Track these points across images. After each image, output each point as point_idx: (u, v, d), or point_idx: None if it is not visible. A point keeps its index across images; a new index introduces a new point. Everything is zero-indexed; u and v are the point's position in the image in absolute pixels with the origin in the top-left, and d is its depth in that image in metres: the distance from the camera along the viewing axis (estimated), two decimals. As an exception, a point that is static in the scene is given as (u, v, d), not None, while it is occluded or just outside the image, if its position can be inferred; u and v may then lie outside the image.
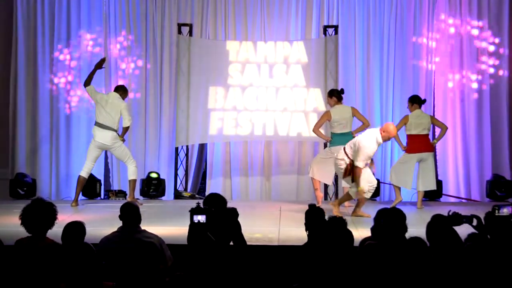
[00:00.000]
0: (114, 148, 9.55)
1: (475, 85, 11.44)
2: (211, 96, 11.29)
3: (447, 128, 9.79)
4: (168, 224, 7.77)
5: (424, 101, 9.70)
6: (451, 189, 11.35)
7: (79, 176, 9.59)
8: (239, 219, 5.62)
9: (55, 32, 11.54)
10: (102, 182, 11.24)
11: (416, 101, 9.58)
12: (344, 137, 9.41)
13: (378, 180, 10.27)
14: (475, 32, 11.44)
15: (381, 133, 8.35)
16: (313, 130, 9.69)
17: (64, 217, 6.55)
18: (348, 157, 8.47)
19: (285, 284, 5.16)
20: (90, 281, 4.31)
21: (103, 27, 11.58)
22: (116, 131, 9.52)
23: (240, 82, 11.32)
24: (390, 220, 4.86)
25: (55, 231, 4.91)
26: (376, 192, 10.70)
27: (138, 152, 11.43)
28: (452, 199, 11.14)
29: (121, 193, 10.90)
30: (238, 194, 11.58)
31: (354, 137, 9.51)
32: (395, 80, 11.53)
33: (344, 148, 8.57)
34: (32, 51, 11.54)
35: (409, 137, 9.55)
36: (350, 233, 4.71)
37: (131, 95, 11.30)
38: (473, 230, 4.83)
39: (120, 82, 10.84)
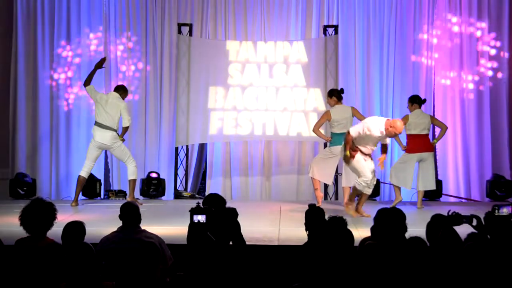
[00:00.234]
0: (114, 148, 9.55)
1: (475, 85, 11.44)
2: (211, 96, 11.29)
3: (447, 128, 9.79)
4: (168, 224, 7.77)
5: (424, 101, 9.70)
6: (451, 189, 11.36)
7: (79, 176, 9.59)
8: (239, 219, 5.62)
9: (55, 29, 11.55)
10: (102, 182, 11.25)
11: (416, 101, 9.58)
12: (344, 137, 9.41)
13: (378, 180, 10.28)
14: (475, 31, 11.44)
15: (387, 127, 8.20)
16: (313, 130, 9.69)
17: (64, 217, 6.56)
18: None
19: (285, 284, 5.16)
20: (90, 281, 4.31)
21: (103, 26, 11.58)
22: (116, 131, 9.52)
23: (240, 82, 11.32)
24: (390, 220, 4.86)
25: (55, 231, 4.91)
26: (376, 192, 10.71)
27: (138, 152, 11.43)
28: (452, 199, 11.14)
29: (121, 193, 10.91)
30: (238, 194, 11.59)
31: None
32: (395, 80, 11.54)
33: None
34: (32, 48, 11.54)
35: (409, 137, 9.55)
36: (350, 233, 4.71)
37: (131, 96, 11.32)
38: (473, 230, 4.83)
39: (120, 83, 10.85)
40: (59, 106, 11.57)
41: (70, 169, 11.50)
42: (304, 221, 5.42)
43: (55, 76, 11.57)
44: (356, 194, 8.63)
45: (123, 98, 9.65)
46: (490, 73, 11.42)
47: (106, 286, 4.41)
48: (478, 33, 11.46)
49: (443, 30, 11.52)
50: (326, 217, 5.13)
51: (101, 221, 7.82)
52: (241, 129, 11.29)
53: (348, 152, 8.31)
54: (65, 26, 11.59)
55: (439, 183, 10.53)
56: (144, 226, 5.44)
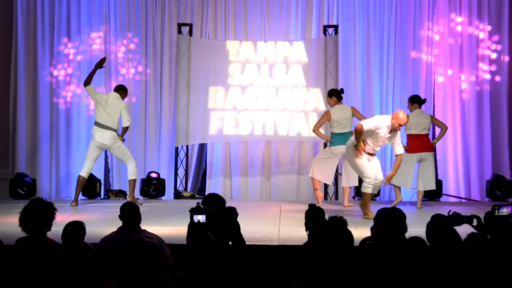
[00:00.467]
0: (114, 148, 9.55)
1: (475, 85, 11.44)
2: (211, 96, 11.29)
3: (447, 128, 9.79)
4: (168, 224, 7.77)
5: (424, 101, 9.71)
6: (451, 189, 11.36)
7: (79, 176, 9.59)
8: (239, 219, 5.61)
9: (55, 29, 11.56)
10: (102, 182, 11.25)
11: (416, 101, 9.58)
12: (344, 137, 9.41)
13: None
14: (475, 32, 11.45)
15: (391, 119, 8.18)
16: (313, 130, 9.69)
17: (64, 217, 6.56)
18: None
19: (285, 284, 5.15)
20: (90, 281, 4.31)
21: (103, 26, 11.58)
22: (116, 131, 9.52)
23: (240, 82, 11.32)
24: (390, 220, 4.86)
25: (55, 231, 4.91)
26: (376, 192, 10.70)
27: (138, 152, 11.44)
28: (452, 199, 11.15)
29: (121, 193, 10.91)
30: (238, 194, 11.59)
31: (354, 137, 9.54)
32: (395, 80, 11.54)
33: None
34: (32, 47, 11.54)
35: (409, 136, 9.55)
36: (350, 233, 4.71)
37: (131, 96, 11.32)
38: (473, 230, 4.82)
39: (120, 83, 10.84)
40: (59, 104, 11.56)
41: (70, 169, 11.50)
42: (304, 221, 5.43)
43: (55, 72, 11.56)
44: (367, 198, 8.44)
45: (123, 98, 9.65)
46: (490, 73, 11.42)
47: (106, 286, 4.41)
48: (479, 34, 11.46)
49: (443, 31, 11.52)
50: (326, 217, 5.13)
51: (101, 221, 7.82)
52: (241, 129, 11.29)
53: (361, 143, 8.23)
54: (65, 26, 11.60)
55: (439, 183, 10.53)
56: (144, 226, 5.44)
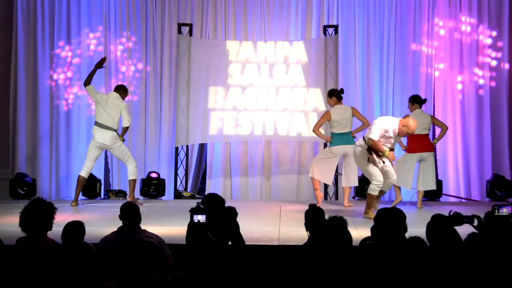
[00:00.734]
0: (114, 148, 9.54)
1: (475, 85, 11.45)
2: (211, 96, 11.29)
3: (447, 128, 9.79)
4: (168, 224, 7.77)
5: (425, 100, 9.70)
6: (451, 188, 11.36)
7: (79, 176, 9.59)
8: (239, 219, 5.61)
9: (55, 29, 11.56)
10: (102, 182, 11.25)
11: (416, 101, 9.58)
12: (344, 137, 9.42)
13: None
14: (475, 32, 11.45)
15: (400, 126, 8.11)
16: (313, 130, 9.69)
17: (64, 217, 6.56)
18: (366, 143, 8.24)
19: (285, 284, 5.15)
20: (90, 281, 4.31)
21: (103, 26, 11.58)
22: (116, 131, 9.52)
23: (240, 82, 11.32)
24: (390, 220, 4.86)
25: (55, 231, 4.91)
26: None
27: (138, 152, 11.43)
28: (452, 199, 11.15)
29: (121, 193, 10.90)
30: (238, 194, 11.59)
31: (354, 137, 9.54)
32: (395, 80, 11.54)
33: (364, 136, 8.38)
34: (32, 48, 11.54)
35: (410, 136, 9.53)
36: (348, 233, 4.70)
37: (131, 96, 11.32)
38: (473, 230, 4.82)
39: (120, 83, 10.84)
40: (59, 106, 11.57)
41: (70, 169, 11.50)
42: (304, 221, 5.42)
43: (55, 76, 11.57)
44: (372, 199, 8.40)
45: (123, 98, 9.64)
46: (490, 74, 11.42)
47: (106, 286, 4.41)
48: (479, 34, 11.45)
49: (443, 31, 11.51)
50: (326, 217, 5.13)
51: (101, 221, 7.82)
52: (241, 129, 11.29)
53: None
54: (65, 26, 11.59)
55: (439, 183, 10.52)
56: (144, 226, 5.44)
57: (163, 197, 11.07)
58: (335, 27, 11.34)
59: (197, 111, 11.29)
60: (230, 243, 5.53)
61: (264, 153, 11.67)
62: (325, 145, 10.20)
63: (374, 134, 8.09)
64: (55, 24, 11.57)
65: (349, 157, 9.51)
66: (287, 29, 11.67)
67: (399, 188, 9.45)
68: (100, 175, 11.27)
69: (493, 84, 11.44)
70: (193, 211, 4.78)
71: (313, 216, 5.38)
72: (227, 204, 5.65)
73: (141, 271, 5.07)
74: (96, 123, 9.51)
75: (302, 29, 11.66)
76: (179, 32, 11.39)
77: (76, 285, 4.29)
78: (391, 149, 8.34)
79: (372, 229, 5.04)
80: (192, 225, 4.78)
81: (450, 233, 4.63)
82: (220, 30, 11.69)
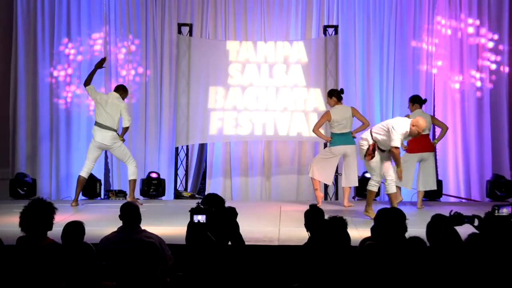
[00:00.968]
0: (114, 148, 9.54)
1: (476, 84, 11.45)
2: (211, 96, 11.29)
3: (447, 128, 9.80)
4: (168, 224, 7.77)
5: (425, 101, 9.70)
6: (451, 189, 11.36)
7: (79, 176, 9.59)
8: (239, 219, 5.62)
9: (55, 29, 11.55)
10: (102, 182, 11.25)
11: (417, 101, 9.58)
12: (344, 137, 9.42)
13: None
14: (475, 32, 11.45)
15: (411, 126, 8.08)
16: (313, 130, 9.69)
17: (64, 217, 6.56)
18: (372, 138, 8.22)
19: (285, 284, 5.15)
20: (90, 281, 4.31)
21: (103, 26, 11.58)
22: (116, 131, 9.52)
23: (240, 82, 11.32)
24: (390, 220, 4.85)
25: (55, 231, 4.91)
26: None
27: (138, 152, 11.43)
28: (452, 199, 11.15)
29: (121, 193, 10.90)
30: (238, 194, 11.59)
31: (354, 137, 9.54)
32: (395, 80, 11.54)
33: (371, 130, 8.33)
34: (32, 48, 11.54)
35: (410, 137, 9.54)
36: (347, 233, 4.70)
37: (131, 96, 11.31)
38: (473, 230, 4.82)
39: (120, 83, 10.83)
40: (59, 104, 11.57)
41: (70, 169, 11.50)
42: (304, 221, 5.42)
43: (55, 73, 11.56)
44: (372, 196, 8.42)
45: (123, 98, 9.64)
46: (491, 69, 11.42)
47: (106, 286, 4.41)
48: (479, 34, 11.46)
49: (443, 30, 11.51)
50: (326, 217, 5.13)
51: (101, 221, 7.82)
52: (241, 129, 11.29)
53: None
54: (65, 26, 11.60)
55: (439, 183, 10.52)
56: (144, 226, 5.44)
57: (163, 197, 11.07)
58: (335, 27, 11.34)
59: (197, 111, 11.29)
60: (230, 243, 5.53)
61: (264, 153, 11.67)
62: (325, 145, 10.20)
63: (398, 141, 8.08)
64: (55, 24, 11.57)
65: (349, 157, 9.52)
66: (287, 29, 11.67)
67: (399, 188, 9.45)
68: (100, 175, 11.27)
69: (493, 84, 11.44)
70: (193, 211, 4.79)
71: (312, 217, 5.38)
72: (227, 204, 5.65)
73: (141, 271, 5.07)
74: (96, 123, 9.51)
75: (302, 29, 11.66)
76: (179, 32, 11.39)
77: (76, 285, 4.29)
78: (383, 150, 8.31)
79: (372, 229, 5.04)
80: (192, 225, 4.78)
81: (450, 233, 4.63)
82: (220, 30, 11.69)
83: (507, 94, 11.44)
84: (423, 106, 9.66)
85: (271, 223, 8.12)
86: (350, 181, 9.65)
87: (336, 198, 11.07)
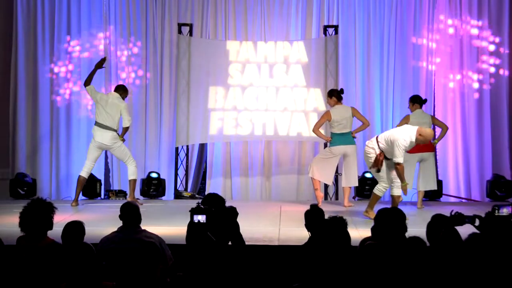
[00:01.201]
0: (114, 148, 9.54)
1: (475, 85, 11.46)
2: (211, 96, 11.29)
3: (447, 128, 9.79)
4: (168, 224, 7.77)
5: (425, 101, 9.70)
6: (451, 189, 11.36)
7: (79, 176, 9.59)
8: (239, 218, 5.61)
9: (55, 29, 11.55)
10: (102, 182, 11.24)
11: (417, 101, 9.58)
12: (344, 137, 9.42)
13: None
14: (475, 32, 11.45)
15: (417, 135, 7.95)
16: (313, 130, 9.69)
17: (64, 217, 6.56)
18: (379, 147, 8.11)
19: (285, 284, 5.15)
20: (90, 281, 4.31)
21: (103, 26, 11.58)
22: (116, 131, 9.52)
23: (240, 82, 11.32)
24: (390, 220, 4.85)
25: (55, 231, 4.90)
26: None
27: (138, 152, 11.44)
28: (452, 199, 11.15)
29: (121, 193, 10.90)
30: (238, 194, 11.59)
31: (354, 137, 9.54)
32: (395, 80, 11.53)
33: (377, 137, 8.22)
34: (32, 48, 11.54)
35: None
36: (347, 233, 4.70)
37: (132, 96, 11.31)
38: (473, 230, 4.82)
39: (121, 83, 10.83)
40: (58, 102, 11.55)
41: (70, 169, 11.50)
42: (304, 221, 5.42)
43: (56, 69, 11.55)
44: (376, 200, 8.36)
45: (123, 98, 9.64)
46: (492, 69, 11.42)
47: (106, 286, 4.40)
48: (479, 34, 11.45)
49: (443, 31, 11.51)
50: (326, 217, 5.13)
51: (101, 221, 7.82)
52: (241, 129, 11.29)
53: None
54: (65, 26, 11.59)
55: (439, 183, 10.51)
56: (144, 226, 5.44)
57: (163, 197, 11.07)
58: (335, 27, 11.34)
59: (197, 111, 11.29)
60: (230, 243, 5.53)
61: (264, 153, 11.67)
62: (325, 145, 10.20)
63: (401, 157, 7.92)
64: (55, 24, 11.56)
65: (349, 157, 9.52)
66: (287, 29, 11.67)
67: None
68: (100, 175, 11.27)
69: (493, 84, 11.43)
70: (193, 211, 4.78)
71: (312, 217, 5.38)
72: (227, 204, 5.65)
73: (141, 271, 5.07)
74: (96, 123, 9.51)
75: (302, 29, 11.66)
76: (179, 32, 11.38)
77: (76, 285, 4.29)
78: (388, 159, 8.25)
79: (372, 229, 5.04)
80: (192, 225, 4.78)
81: (451, 233, 4.63)
82: (220, 30, 11.69)
83: (507, 94, 11.44)
84: (423, 106, 9.65)
85: (271, 223, 8.12)
86: (350, 181, 9.65)
87: (336, 198, 11.07)
